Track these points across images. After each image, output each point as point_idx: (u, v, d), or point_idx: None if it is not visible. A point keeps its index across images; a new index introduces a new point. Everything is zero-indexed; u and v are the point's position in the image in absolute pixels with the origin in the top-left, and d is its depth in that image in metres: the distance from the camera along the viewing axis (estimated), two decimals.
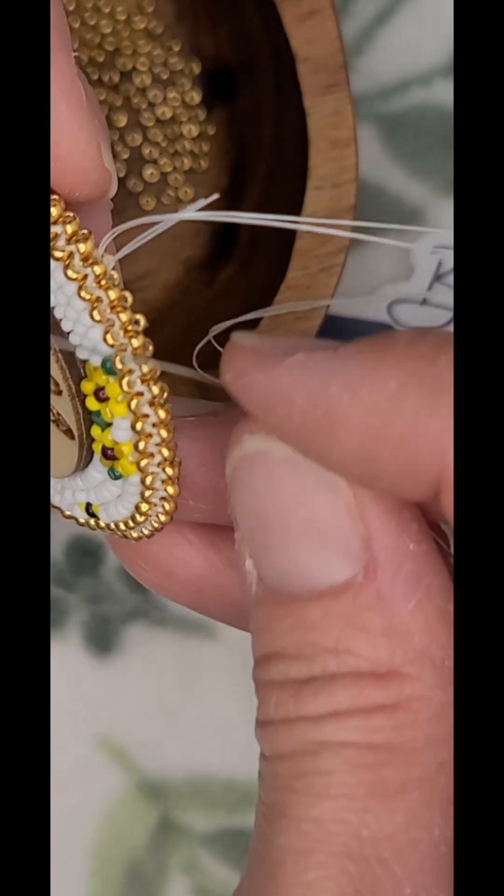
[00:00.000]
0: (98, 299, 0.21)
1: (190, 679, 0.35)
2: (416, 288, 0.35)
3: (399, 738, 0.21)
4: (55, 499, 0.24)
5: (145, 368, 0.21)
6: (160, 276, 0.35)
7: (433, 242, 0.34)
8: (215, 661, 0.35)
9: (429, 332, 0.20)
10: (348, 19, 0.35)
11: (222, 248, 0.35)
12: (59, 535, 0.35)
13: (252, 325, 0.30)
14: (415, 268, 0.34)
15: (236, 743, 0.35)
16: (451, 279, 0.35)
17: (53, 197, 0.21)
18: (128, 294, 0.21)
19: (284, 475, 0.22)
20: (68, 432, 0.22)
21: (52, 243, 0.21)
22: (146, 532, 0.23)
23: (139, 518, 0.23)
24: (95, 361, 0.21)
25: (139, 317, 0.21)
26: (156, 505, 0.23)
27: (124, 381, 0.21)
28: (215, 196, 0.21)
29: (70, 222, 0.21)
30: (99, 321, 0.21)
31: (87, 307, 0.21)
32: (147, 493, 0.22)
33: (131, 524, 0.23)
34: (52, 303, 0.21)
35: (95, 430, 0.22)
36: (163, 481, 0.22)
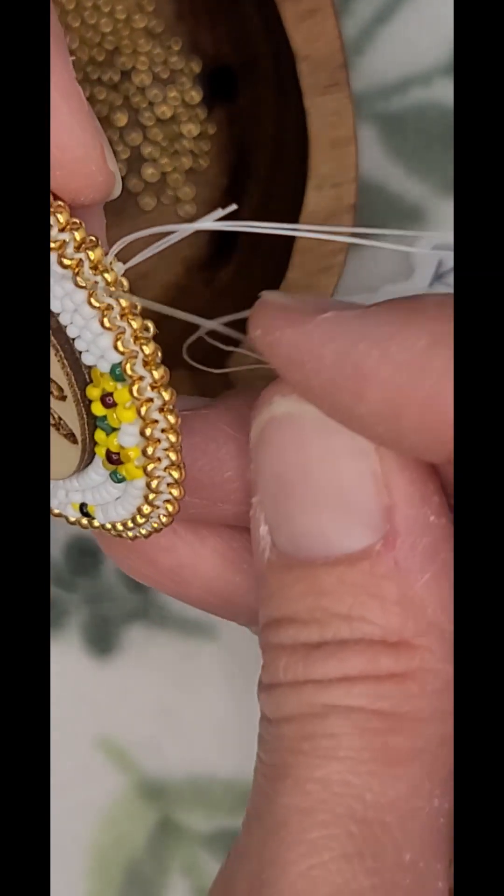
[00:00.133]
0: (108, 307, 0.21)
1: (190, 679, 0.35)
2: (416, 288, 0.35)
3: (406, 707, 0.21)
4: None
5: (156, 375, 0.21)
6: (159, 276, 0.35)
7: (433, 242, 0.34)
8: (215, 661, 0.35)
9: None
10: (348, 18, 0.35)
11: (222, 248, 0.35)
12: (59, 536, 0.35)
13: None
14: (415, 267, 0.34)
15: (236, 743, 0.35)
16: (451, 279, 0.35)
17: (58, 203, 0.21)
18: (137, 300, 0.21)
19: (314, 437, 0.22)
20: (69, 436, 0.22)
21: (59, 251, 0.21)
22: (143, 532, 0.23)
23: (139, 520, 0.23)
24: (103, 367, 0.21)
25: (149, 323, 0.21)
26: (158, 507, 0.23)
27: (134, 388, 0.21)
28: (233, 207, 0.21)
29: (77, 229, 0.21)
30: (109, 328, 0.21)
31: (97, 315, 0.21)
32: (151, 497, 0.22)
33: (130, 525, 0.23)
34: (58, 309, 0.21)
35: (100, 435, 0.22)
36: (168, 484, 0.22)
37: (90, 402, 0.22)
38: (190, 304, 0.35)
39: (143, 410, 0.21)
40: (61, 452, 0.23)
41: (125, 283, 0.21)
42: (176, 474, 0.22)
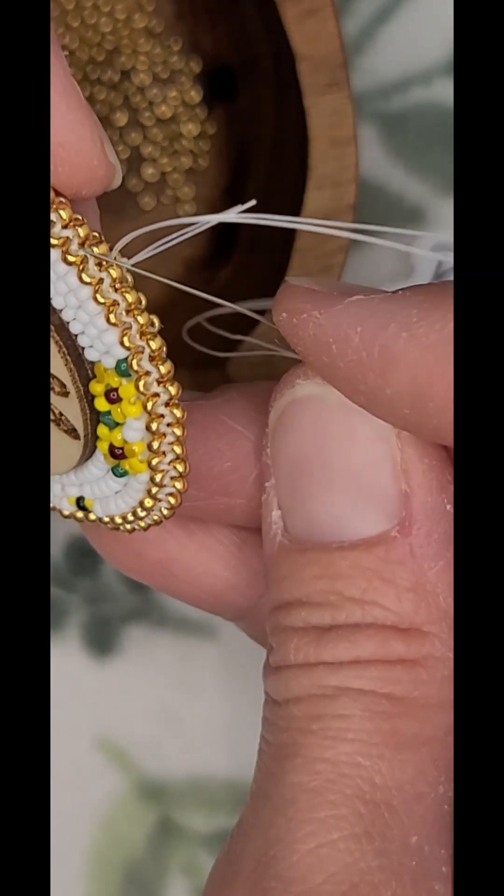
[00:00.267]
0: (115, 303, 0.21)
1: (190, 679, 0.35)
2: None
3: (415, 692, 0.21)
4: None
5: (163, 370, 0.21)
6: (160, 275, 0.35)
7: (433, 242, 0.34)
8: (215, 661, 0.35)
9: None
10: (348, 18, 0.35)
11: (222, 247, 0.35)
12: (59, 536, 0.35)
13: (251, 325, 0.30)
14: (415, 267, 0.34)
15: (236, 743, 0.35)
16: (450, 279, 0.35)
17: (60, 200, 0.21)
18: (142, 296, 0.21)
19: (335, 420, 0.22)
20: (70, 432, 0.22)
21: (64, 248, 0.21)
22: (142, 525, 0.23)
23: (140, 513, 0.23)
24: (108, 363, 0.21)
25: (155, 319, 0.21)
26: (161, 500, 0.23)
27: (140, 383, 0.21)
28: (252, 202, 0.21)
29: (81, 225, 0.21)
30: (114, 324, 0.21)
31: (103, 311, 0.21)
32: (154, 490, 0.22)
33: (130, 518, 0.23)
34: (61, 305, 0.21)
35: (102, 430, 0.22)
36: (172, 478, 0.22)
37: (93, 397, 0.22)
38: (190, 304, 0.35)
39: (149, 405, 0.21)
40: (61, 448, 0.23)
41: (130, 278, 0.21)
42: (180, 468, 0.22)
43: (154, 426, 0.21)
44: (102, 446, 0.22)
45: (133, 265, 0.21)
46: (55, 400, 0.22)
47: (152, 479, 0.22)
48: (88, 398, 0.22)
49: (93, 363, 0.21)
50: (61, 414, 0.22)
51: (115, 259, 0.21)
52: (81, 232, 0.21)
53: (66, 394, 0.22)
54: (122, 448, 0.22)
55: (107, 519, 0.24)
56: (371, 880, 0.20)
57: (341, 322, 0.21)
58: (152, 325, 0.21)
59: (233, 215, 0.21)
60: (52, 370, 0.22)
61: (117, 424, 0.22)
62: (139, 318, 0.21)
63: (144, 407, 0.21)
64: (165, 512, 0.23)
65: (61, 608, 0.35)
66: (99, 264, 0.21)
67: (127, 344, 0.21)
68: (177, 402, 0.21)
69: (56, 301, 0.21)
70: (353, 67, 0.35)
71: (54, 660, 0.35)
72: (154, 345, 0.21)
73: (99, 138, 0.21)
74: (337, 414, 0.22)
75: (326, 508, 0.22)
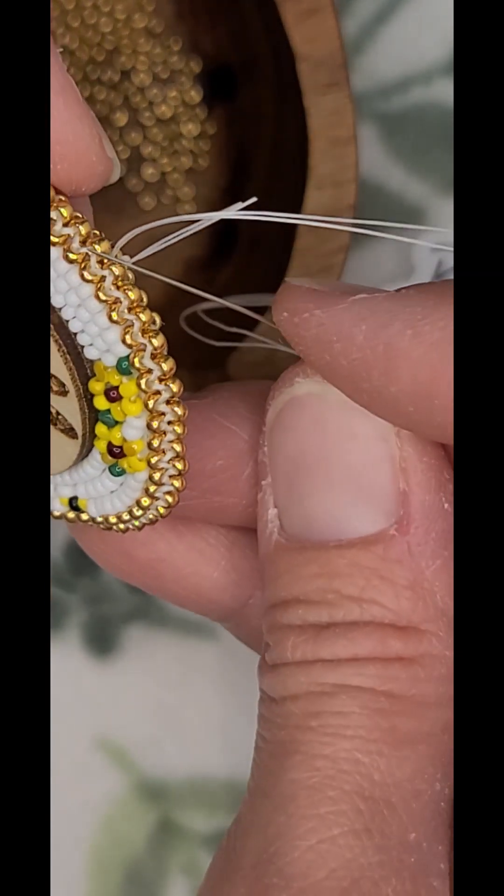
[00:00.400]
0: (116, 301, 0.21)
1: (190, 679, 0.35)
2: None
3: (412, 690, 0.21)
4: None
5: (165, 367, 0.21)
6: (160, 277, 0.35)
7: (433, 242, 0.34)
8: (215, 661, 0.35)
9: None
10: (348, 18, 0.35)
11: (222, 247, 0.35)
12: (59, 536, 0.35)
13: (251, 325, 0.30)
14: (415, 267, 0.34)
15: (236, 743, 0.35)
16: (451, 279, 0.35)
17: (60, 197, 0.21)
18: (144, 294, 0.21)
19: (334, 418, 0.22)
20: (67, 431, 0.22)
21: (65, 246, 0.21)
22: (137, 525, 0.23)
23: (136, 512, 0.23)
24: (109, 361, 0.21)
25: (156, 316, 0.21)
26: (158, 499, 0.23)
27: (142, 381, 0.21)
28: (253, 199, 0.21)
29: (82, 223, 0.21)
30: (116, 322, 0.21)
31: (105, 309, 0.21)
32: (152, 489, 0.22)
33: (125, 517, 0.23)
34: (61, 303, 0.21)
35: (101, 429, 0.22)
36: (171, 476, 0.22)
37: (92, 396, 0.22)
38: (190, 305, 0.35)
39: (150, 403, 0.21)
40: (58, 447, 0.23)
41: (132, 276, 0.21)
42: (180, 465, 0.22)
43: (155, 424, 0.21)
44: (100, 445, 0.22)
45: (134, 263, 0.21)
46: (53, 399, 0.22)
47: (151, 478, 0.22)
48: (87, 397, 0.22)
49: (92, 361, 0.21)
50: (58, 413, 0.22)
51: (116, 257, 0.21)
52: (83, 230, 0.21)
53: (64, 393, 0.22)
54: (121, 447, 0.22)
55: (100, 519, 0.24)
56: (372, 876, 0.20)
57: (345, 320, 0.21)
58: (154, 322, 0.21)
59: (234, 212, 0.21)
60: (52, 369, 0.22)
61: (117, 423, 0.22)
62: (141, 315, 0.21)
63: (145, 405, 0.21)
64: (162, 511, 0.23)
65: (61, 608, 0.35)
66: (100, 262, 0.21)
67: (129, 342, 0.21)
68: (178, 399, 0.21)
69: (56, 299, 0.21)
70: (353, 67, 0.35)
71: (54, 660, 0.35)
72: (156, 342, 0.21)
73: (97, 134, 0.21)
74: (336, 412, 0.22)
75: (324, 507, 0.22)
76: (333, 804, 0.21)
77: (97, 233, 0.21)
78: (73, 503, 0.24)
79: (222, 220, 0.22)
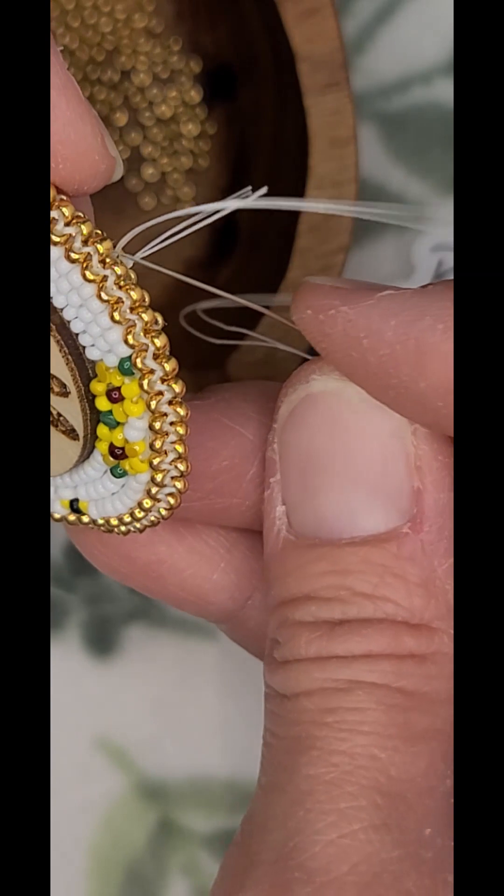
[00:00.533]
0: (119, 300, 0.21)
1: (190, 679, 0.35)
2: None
3: (426, 687, 0.21)
4: None
5: (168, 367, 0.21)
6: (160, 276, 0.35)
7: (433, 242, 0.34)
8: (215, 661, 0.35)
9: None
10: (348, 18, 0.35)
11: (222, 247, 0.35)
12: (59, 537, 0.35)
13: (251, 325, 0.30)
14: (415, 267, 0.34)
15: (236, 743, 0.35)
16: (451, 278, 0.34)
17: (61, 197, 0.21)
18: (146, 293, 0.21)
19: (351, 415, 0.22)
20: (69, 433, 0.22)
21: (66, 245, 0.21)
22: (138, 527, 0.23)
23: (138, 514, 0.23)
24: (111, 362, 0.21)
25: (159, 316, 0.21)
26: (160, 501, 0.23)
27: (144, 382, 0.21)
28: (264, 190, 0.21)
29: (84, 223, 0.21)
30: (118, 322, 0.21)
31: (107, 309, 0.21)
32: (154, 490, 0.22)
33: (127, 519, 0.23)
34: (62, 303, 0.21)
35: (102, 430, 0.22)
36: (173, 477, 0.22)
37: (94, 396, 0.22)
38: (190, 304, 0.35)
39: (152, 404, 0.21)
40: (58, 449, 0.23)
41: (134, 276, 0.21)
42: (182, 467, 0.22)
43: (157, 425, 0.21)
44: (102, 446, 0.22)
45: (135, 262, 0.21)
46: (54, 400, 0.22)
47: (153, 479, 0.22)
48: (89, 398, 0.22)
49: (94, 362, 0.21)
50: (59, 414, 0.22)
51: (118, 257, 0.21)
52: (84, 229, 0.21)
53: (65, 394, 0.22)
54: (122, 448, 0.22)
55: (101, 521, 0.23)
56: (392, 870, 0.20)
57: (373, 316, 0.21)
58: (156, 322, 0.21)
59: (235, 203, 0.21)
60: (53, 370, 0.22)
61: (118, 424, 0.22)
62: (143, 315, 0.21)
63: (148, 406, 0.21)
64: (164, 512, 0.23)
65: (61, 608, 0.35)
66: (102, 262, 0.21)
67: (131, 342, 0.21)
68: (180, 399, 0.21)
69: (57, 300, 0.21)
70: (353, 67, 0.35)
71: (54, 660, 0.35)
72: (158, 342, 0.21)
73: (99, 132, 0.21)
74: (353, 410, 0.22)
75: (338, 504, 0.22)
76: (352, 799, 0.21)
77: (99, 232, 0.21)
78: (73, 505, 0.24)
79: (222, 220, 0.22)
